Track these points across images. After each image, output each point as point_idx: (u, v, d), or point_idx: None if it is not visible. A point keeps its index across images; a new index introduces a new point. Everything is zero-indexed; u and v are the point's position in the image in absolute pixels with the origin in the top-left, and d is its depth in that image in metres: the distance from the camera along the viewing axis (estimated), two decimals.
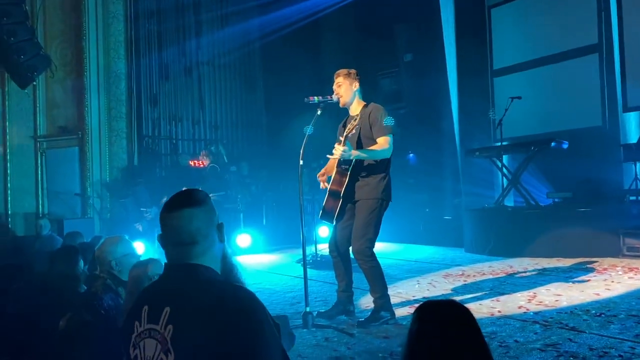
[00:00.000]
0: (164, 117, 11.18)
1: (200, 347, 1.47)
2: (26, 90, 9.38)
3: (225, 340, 1.45)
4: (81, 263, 3.98)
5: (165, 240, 1.67)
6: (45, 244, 7.00)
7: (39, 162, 10.07)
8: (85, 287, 3.84)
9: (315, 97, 4.31)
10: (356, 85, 4.35)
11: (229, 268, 1.75)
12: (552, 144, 7.42)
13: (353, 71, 4.38)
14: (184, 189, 1.81)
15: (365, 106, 4.35)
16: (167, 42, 11.07)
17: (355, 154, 4.09)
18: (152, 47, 10.84)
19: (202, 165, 9.55)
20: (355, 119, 4.29)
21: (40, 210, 9.90)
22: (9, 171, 9.98)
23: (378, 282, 4.21)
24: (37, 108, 10.05)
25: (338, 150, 4.02)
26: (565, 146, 7.53)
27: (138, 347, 1.57)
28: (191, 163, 9.75)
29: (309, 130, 4.28)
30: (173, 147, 11.32)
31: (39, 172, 10.04)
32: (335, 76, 4.40)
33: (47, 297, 3.63)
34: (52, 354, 3.06)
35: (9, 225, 9.91)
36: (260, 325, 1.50)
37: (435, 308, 1.60)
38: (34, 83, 9.35)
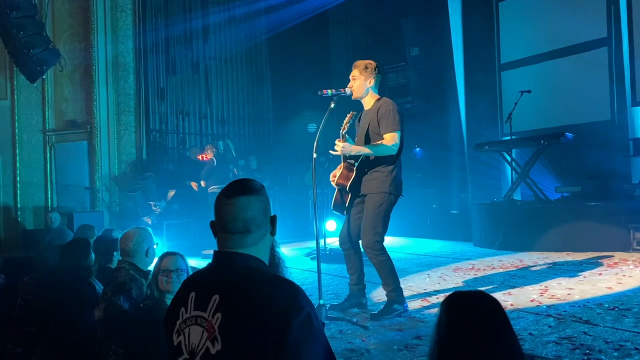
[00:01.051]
0: (172, 112, 11.21)
1: (248, 338, 1.47)
2: (35, 84, 9.40)
3: (274, 332, 1.45)
4: (92, 255, 4.01)
5: (219, 227, 1.66)
6: (56, 237, 7.04)
7: (48, 156, 10.10)
8: (97, 279, 3.88)
9: (329, 90, 4.30)
10: (371, 82, 4.31)
11: (276, 261, 1.76)
12: (562, 138, 7.41)
13: (371, 66, 4.30)
14: (239, 178, 1.81)
15: (377, 100, 4.35)
16: (175, 36, 11.07)
17: (356, 149, 4.11)
18: (159, 41, 10.85)
19: (207, 159, 9.59)
20: (367, 114, 4.30)
21: (50, 204, 9.94)
22: (17, 165, 10.01)
23: (390, 275, 4.23)
24: (46, 102, 10.08)
25: (339, 146, 4.06)
26: (573, 138, 7.51)
27: (183, 333, 1.56)
28: (199, 157, 9.77)
29: (319, 125, 4.28)
30: (180, 141, 11.35)
31: (48, 166, 10.08)
32: (353, 67, 4.35)
33: (59, 289, 3.67)
34: (73, 343, 3.10)
35: (19, 219, 9.96)
36: (309, 320, 1.50)
37: (465, 299, 1.61)
38: (43, 77, 9.37)
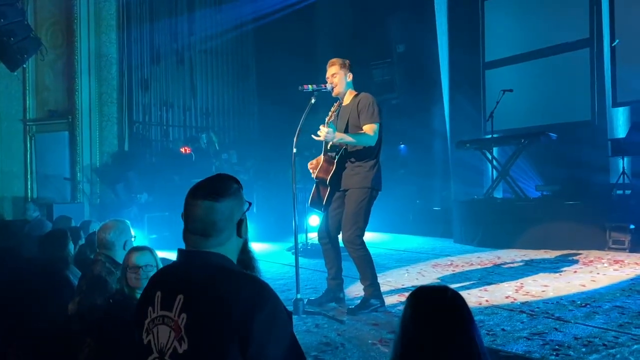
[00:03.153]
0: (155, 103, 11.11)
1: (213, 337, 1.48)
2: (16, 73, 9.27)
3: (238, 329, 1.46)
4: (71, 246, 3.98)
5: (184, 224, 1.67)
6: (35, 228, 6.97)
7: (28, 145, 9.98)
8: (77, 270, 3.85)
9: (310, 86, 4.32)
10: (350, 77, 4.40)
11: (247, 261, 1.74)
12: (542, 137, 7.50)
13: (347, 62, 4.41)
14: (217, 174, 1.76)
15: (356, 95, 4.40)
16: (159, 28, 10.97)
17: (339, 136, 4.15)
18: (144, 32, 10.74)
19: (188, 152, 9.59)
20: (346, 109, 4.33)
21: (29, 194, 9.83)
22: None
23: (368, 270, 4.26)
24: (27, 91, 9.94)
25: (322, 131, 4.07)
26: (554, 138, 7.61)
27: (151, 332, 1.58)
28: (182, 150, 9.73)
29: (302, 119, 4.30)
30: (164, 133, 11.27)
31: (28, 156, 9.96)
32: (328, 65, 4.41)
33: (35, 281, 3.64)
34: (49, 336, 3.07)
35: None
36: (274, 314, 1.51)
37: (428, 293, 1.63)
38: (24, 66, 9.24)
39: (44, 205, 8.73)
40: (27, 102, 9.95)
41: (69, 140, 9.92)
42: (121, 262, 3.25)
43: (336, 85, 4.36)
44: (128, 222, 3.50)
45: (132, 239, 3.42)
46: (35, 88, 10.03)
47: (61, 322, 3.24)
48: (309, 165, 4.48)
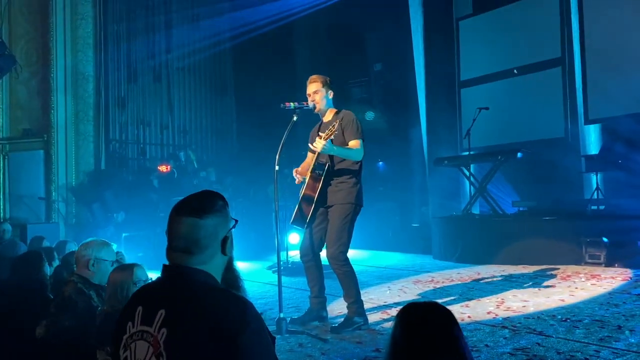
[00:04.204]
0: (132, 121, 11.00)
1: (192, 354, 1.45)
2: None
3: (219, 348, 1.44)
4: (46, 268, 3.88)
5: (168, 241, 1.65)
6: (8, 250, 6.78)
7: (1, 165, 9.76)
8: (51, 293, 3.75)
9: (292, 103, 4.34)
10: (331, 94, 4.43)
11: (232, 280, 1.72)
12: (519, 154, 7.64)
13: (328, 79, 4.42)
14: (203, 190, 1.75)
15: (336, 113, 4.43)
16: (136, 45, 10.91)
17: (335, 148, 4.15)
18: (121, 50, 10.67)
19: (167, 171, 9.50)
20: (331, 127, 4.30)
21: (2, 214, 9.58)
22: None
23: (352, 287, 4.26)
24: (0, 109, 9.76)
25: (319, 143, 4.04)
26: (528, 155, 7.75)
27: (129, 348, 1.55)
28: (160, 168, 9.63)
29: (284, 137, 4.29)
30: (141, 152, 11.15)
31: (1, 176, 9.73)
32: (309, 82, 4.40)
33: (10, 304, 3.54)
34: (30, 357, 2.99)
35: None
36: (256, 335, 1.50)
37: (420, 310, 1.64)
38: None
39: (17, 226, 8.52)
40: (1, 120, 9.77)
41: (44, 159, 9.73)
42: (96, 282, 3.15)
43: (317, 103, 4.38)
44: (105, 241, 3.42)
45: (111, 260, 3.34)
46: (10, 106, 9.84)
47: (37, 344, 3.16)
48: (295, 172, 4.45)
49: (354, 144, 4.23)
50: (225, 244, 1.67)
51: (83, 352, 2.73)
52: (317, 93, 4.36)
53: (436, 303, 1.69)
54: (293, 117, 4.32)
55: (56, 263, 4.59)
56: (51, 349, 2.87)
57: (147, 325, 1.53)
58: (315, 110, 4.42)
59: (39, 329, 2.95)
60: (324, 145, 4.02)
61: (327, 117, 4.44)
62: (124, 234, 8.45)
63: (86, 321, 2.87)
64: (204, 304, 1.51)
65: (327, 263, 4.33)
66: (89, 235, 7.34)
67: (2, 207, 9.64)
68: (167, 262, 1.67)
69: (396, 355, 1.61)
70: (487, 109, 8.37)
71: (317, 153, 4.19)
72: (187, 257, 1.61)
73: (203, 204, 1.65)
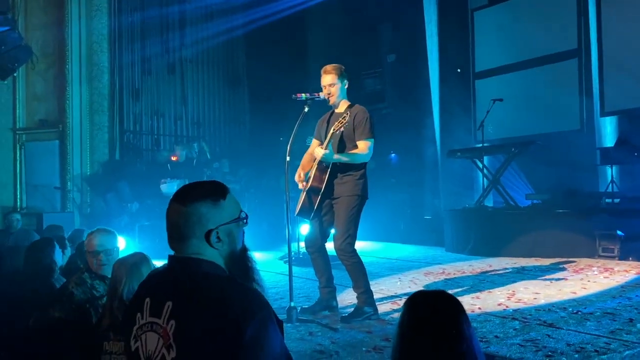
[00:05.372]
0: (146, 112, 11.09)
1: (202, 345, 1.47)
2: (6, 82, 9.23)
3: (228, 338, 1.45)
4: (56, 255, 3.91)
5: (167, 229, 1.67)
6: (20, 239, 6.88)
7: (18, 155, 9.89)
8: (64, 280, 3.80)
9: (303, 94, 4.33)
10: (346, 84, 4.38)
11: (244, 271, 1.69)
12: (532, 146, 7.58)
13: (343, 68, 4.35)
14: (207, 180, 1.78)
15: (350, 106, 4.37)
16: (150, 36, 10.96)
17: (335, 157, 4.16)
18: (135, 41, 10.73)
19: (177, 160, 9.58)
20: (341, 118, 4.27)
21: (19, 204, 9.73)
22: None
23: (361, 277, 4.27)
24: (17, 100, 9.88)
25: (319, 152, 4.08)
26: (543, 147, 7.69)
27: (140, 339, 1.57)
28: (173, 158, 9.69)
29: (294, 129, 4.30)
30: (155, 143, 11.24)
31: (18, 165, 9.87)
32: (324, 72, 4.34)
33: (21, 292, 3.59)
34: (26, 350, 3.03)
35: None
36: (264, 323, 1.49)
37: (426, 298, 1.65)
38: (14, 74, 9.19)
39: (33, 215, 8.66)
40: (17, 111, 9.89)
41: (59, 149, 9.85)
42: (101, 272, 3.16)
43: (332, 95, 4.33)
44: (113, 230, 3.40)
45: (118, 250, 3.32)
46: (26, 97, 9.97)
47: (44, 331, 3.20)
48: (297, 179, 4.44)
49: (363, 145, 4.21)
50: (209, 236, 1.60)
51: (68, 344, 2.74)
52: (332, 86, 4.31)
53: (444, 291, 1.70)
54: (304, 108, 4.32)
55: (68, 251, 4.64)
56: (38, 339, 2.89)
57: (155, 317, 1.55)
58: (330, 103, 4.39)
59: (32, 319, 2.98)
60: (324, 154, 4.04)
61: (340, 108, 4.41)
62: (137, 224, 8.53)
63: (83, 312, 2.88)
64: (209, 294, 1.52)
65: (335, 254, 4.35)
66: (103, 224, 7.43)
67: (18, 196, 9.78)
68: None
69: (404, 342, 1.62)
70: (501, 100, 8.29)
71: (326, 143, 4.18)
72: (176, 245, 1.62)
73: (191, 192, 1.64)
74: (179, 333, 1.49)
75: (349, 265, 4.26)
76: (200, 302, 1.51)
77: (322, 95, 4.35)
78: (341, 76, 4.33)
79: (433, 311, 1.60)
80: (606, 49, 8.25)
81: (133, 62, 10.74)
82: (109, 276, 3.05)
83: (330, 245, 4.41)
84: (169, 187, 8.06)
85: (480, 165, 8.22)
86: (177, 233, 1.61)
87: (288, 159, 4.29)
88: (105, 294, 2.95)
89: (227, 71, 12.57)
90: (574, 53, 8.77)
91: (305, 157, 4.49)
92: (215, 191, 1.65)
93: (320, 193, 4.25)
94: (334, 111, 4.46)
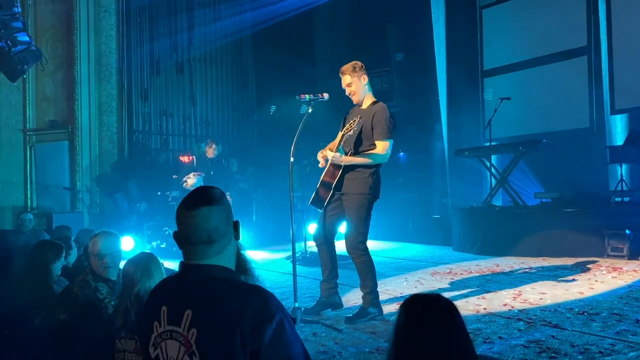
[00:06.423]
0: (155, 112, 11.16)
1: (224, 350, 1.52)
2: (16, 83, 9.32)
3: (249, 342, 1.50)
4: (60, 259, 3.93)
5: (182, 239, 1.67)
6: (30, 239, 6.94)
7: (28, 155, 10.01)
8: (66, 282, 3.82)
9: (307, 95, 4.33)
10: (365, 79, 4.33)
11: (243, 265, 1.78)
12: (540, 144, 7.52)
13: (358, 64, 4.30)
14: (197, 187, 1.83)
15: (373, 103, 4.35)
16: (158, 37, 11.02)
17: (345, 160, 4.18)
18: (143, 42, 10.80)
19: (189, 161, 9.58)
20: (361, 116, 4.25)
21: (29, 204, 9.84)
22: None
23: (369, 277, 4.27)
24: (27, 101, 9.99)
25: (329, 154, 4.10)
26: (551, 146, 7.62)
27: (159, 347, 1.61)
28: (181, 159, 9.73)
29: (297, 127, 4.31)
30: (163, 142, 11.30)
31: (28, 166, 9.99)
32: (340, 74, 4.33)
33: (25, 293, 3.62)
34: (31, 350, 3.06)
35: None
36: (281, 326, 1.54)
37: (421, 301, 1.65)
38: (24, 76, 9.29)
39: (43, 215, 8.74)
40: (27, 112, 10.00)
41: (69, 150, 9.95)
42: (106, 275, 3.18)
43: (354, 94, 4.32)
44: (116, 233, 3.40)
45: (120, 253, 3.32)
46: (36, 98, 10.07)
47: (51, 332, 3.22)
48: (319, 155, 4.44)
49: (381, 146, 4.19)
50: (237, 227, 1.73)
51: (72, 345, 2.77)
52: (350, 85, 4.30)
53: (439, 295, 1.70)
54: (308, 109, 4.32)
55: (73, 252, 4.67)
56: (44, 341, 2.93)
57: (175, 325, 1.59)
58: (355, 102, 4.37)
59: (37, 320, 3.02)
60: (334, 157, 4.05)
61: (365, 104, 4.36)
62: (146, 224, 8.59)
63: (86, 315, 2.91)
64: (227, 301, 1.56)
65: (346, 254, 4.35)
66: (112, 224, 7.50)
67: (29, 196, 9.89)
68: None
69: (399, 344, 1.62)
70: (508, 99, 8.23)
71: (343, 137, 4.18)
72: (207, 249, 1.64)
73: (209, 195, 1.69)
74: (201, 341, 1.54)
75: (360, 263, 4.27)
76: (219, 309, 1.56)
77: (326, 96, 4.34)
78: (356, 73, 4.28)
79: (427, 314, 1.60)
80: (616, 46, 8.17)
81: (141, 63, 10.81)
82: (112, 278, 3.09)
83: (341, 245, 4.41)
84: (197, 182, 8.05)
85: (488, 164, 8.17)
86: (214, 234, 1.64)
87: (292, 159, 4.30)
88: (108, 296, 2.99)
89: (235, 71, 12.61)
90: (584, 50, 8.69)
91: (332, 142, 4.42)
92: (218, 189, 1.74)
93: (332, 187, 4.28)
94: (359, 107, 4.41)
